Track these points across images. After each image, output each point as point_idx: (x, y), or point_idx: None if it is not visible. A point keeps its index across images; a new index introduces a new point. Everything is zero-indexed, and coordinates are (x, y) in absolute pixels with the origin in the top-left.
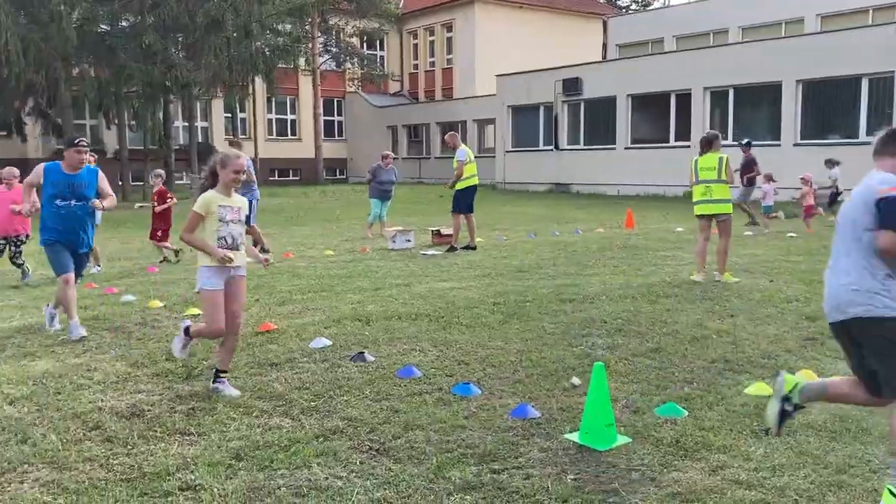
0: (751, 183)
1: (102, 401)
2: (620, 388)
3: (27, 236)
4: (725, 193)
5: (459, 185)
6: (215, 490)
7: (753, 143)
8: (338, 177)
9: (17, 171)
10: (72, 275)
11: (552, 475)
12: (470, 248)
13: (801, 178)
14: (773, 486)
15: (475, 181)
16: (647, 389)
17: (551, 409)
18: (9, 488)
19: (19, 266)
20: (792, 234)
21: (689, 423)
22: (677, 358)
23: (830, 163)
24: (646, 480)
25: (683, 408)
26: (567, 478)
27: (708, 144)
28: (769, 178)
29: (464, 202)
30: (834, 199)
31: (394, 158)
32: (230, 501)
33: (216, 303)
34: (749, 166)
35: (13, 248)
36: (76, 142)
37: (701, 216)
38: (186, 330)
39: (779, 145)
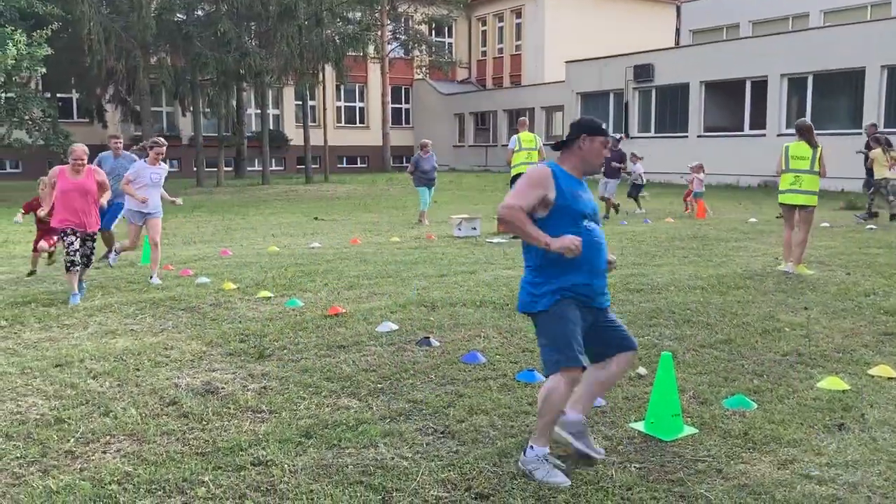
0: (614, 175)
1: (178, 378)
2: (688, 378)
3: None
4: (815, 185)
5: (513, 172)
6: (286, 466)
7: (833, 131)
8: (404, 164)
9: (87, 150)
10: None
11: (616, 463)
12: None
13: (692, 167)
14: (846, 482)
15: (523, 169)
16: (715, 381)
17: (616, 398)
18: (93, 457)
19: (85, 265)
20: (872, 227)
21: (758, 416)
22: (747, 350)
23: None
24: (712, 472)
25: (753, 400)
26: (631, 466)
27: (808, 132)
28: (636, 157)
29: None
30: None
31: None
32: (300, 478)
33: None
34: (619, 160)
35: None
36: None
37: (785, 205)
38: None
39: (860, 134)
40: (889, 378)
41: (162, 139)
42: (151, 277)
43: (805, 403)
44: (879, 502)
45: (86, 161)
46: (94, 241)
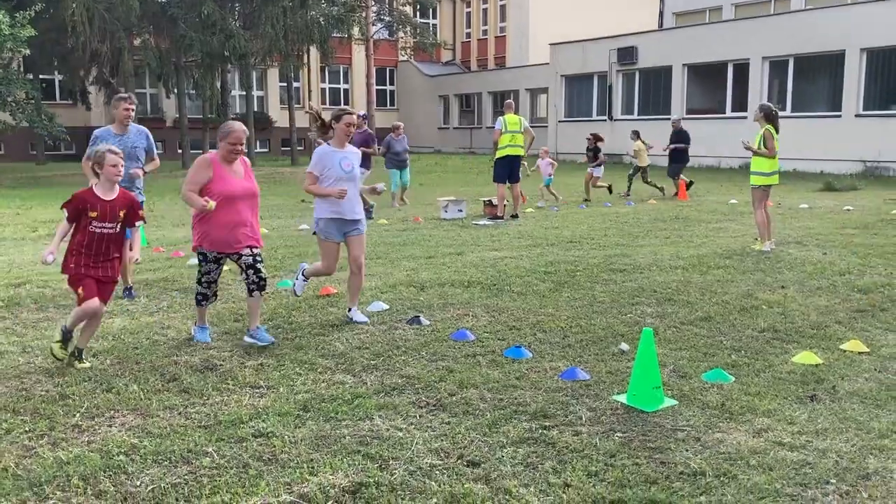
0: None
1: (177, 356)
2: (668, 354)
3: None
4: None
5: (497, 155)
6: (286, 437)
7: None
8: None
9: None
10: None
11: (600, 433)
12: (512, 216)
13: (544, 149)
14: (815, 449)
15: (510, 151)
16: (694, 356)
17: (600, 373)
18: (99, 431)
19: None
20: (848, 208)
21: (735, 389)
22: (726, 327)
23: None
24: (691, 440)
25: (730, 374)
26: (615, 435)
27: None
28: (546, 153)
29: (501, 172)
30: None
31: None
32: (300, 448)
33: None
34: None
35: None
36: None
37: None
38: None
39: (839, 116)
40: (860, 352)
41: (349, 107)
42: (350, 311)
43: (780, 377)
44: (846, 466)
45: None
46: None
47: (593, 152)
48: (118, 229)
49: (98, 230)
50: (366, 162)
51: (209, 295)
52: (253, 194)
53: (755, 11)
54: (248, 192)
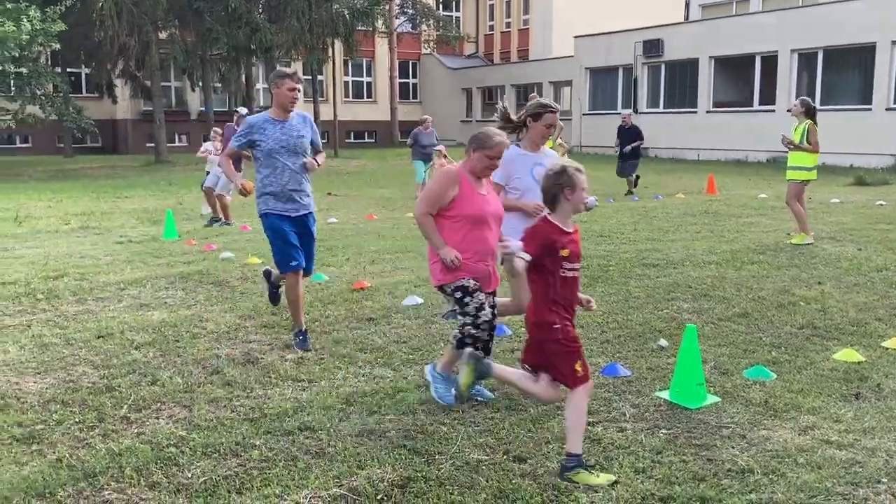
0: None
1: (218, 349)
2: (708, 350)
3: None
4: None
5: None
6: (331, 431)
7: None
8: None
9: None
10: None
11: (645, 429)
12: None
13: (437, 149)
14: (864, 447)
15: None
16: (734, 352)
17: (640, 369)
18: (147, 422)
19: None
20: (881, 203)
21: (777, 386)
22: (764, 323)
23: None
24: (736, 437)
25: (772, 371)
26: (659, 432)
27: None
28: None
29: None
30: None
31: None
32: (346, 442)
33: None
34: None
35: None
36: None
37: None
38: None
39: (870, 109)
40: None
41: (550, 100)
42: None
43: (822, 374)
44: None
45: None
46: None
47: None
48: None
49: (570, 274)
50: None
51: (486, 338)
52: (500, 218)
53: (784, 3)
54: (497, 216)
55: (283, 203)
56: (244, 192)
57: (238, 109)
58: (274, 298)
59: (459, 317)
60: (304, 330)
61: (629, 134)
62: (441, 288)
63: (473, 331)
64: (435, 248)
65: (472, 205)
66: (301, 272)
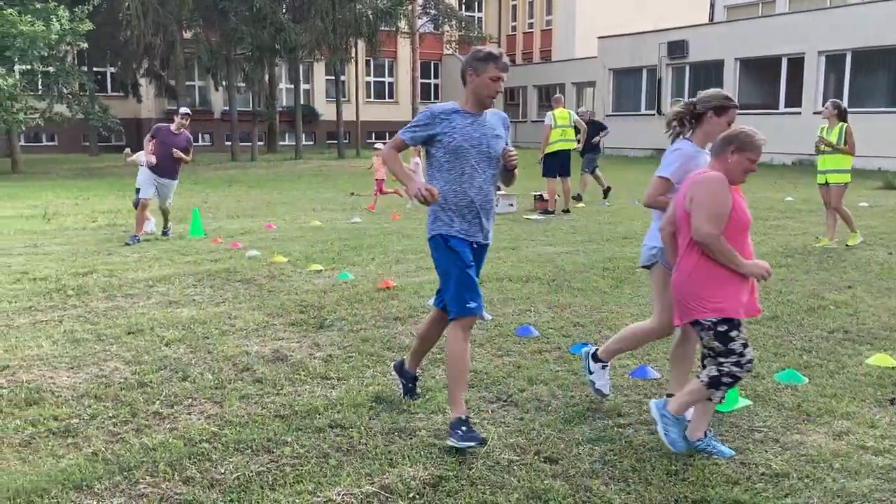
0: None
1: (247, 346)
2: None
3: None
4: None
5: (548, 150)
6: (362, 429)
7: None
8: None
9: None
10: None
11: None
12: (564, 211)
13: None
14: None
15: (561, 146)
16: (765, 356)
17: (670, 371)
18: (180, 418)
19: None
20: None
21: (809, 390)
22: (794, 327)
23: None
24: (769, 441)
25: (803, 375)
26: None
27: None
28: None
29: (551, 166)
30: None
31: None
32: (377, 440)
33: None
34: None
35: None
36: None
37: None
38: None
39: None
40: None
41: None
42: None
43: (855, 379)
44: None
45: None
46: None
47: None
48: None
49: None
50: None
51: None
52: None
53: (811, 4)
54: (749, 224)
55: (468, 225)
56: (426, 200)
57: (181, 110)
58: (410, 392)
59: (720, 357)
60: (466, 418)
61: (593, 127)
62: (698, 323)
63: (737, 370)
64: (745, 271)
65: (741, 213)
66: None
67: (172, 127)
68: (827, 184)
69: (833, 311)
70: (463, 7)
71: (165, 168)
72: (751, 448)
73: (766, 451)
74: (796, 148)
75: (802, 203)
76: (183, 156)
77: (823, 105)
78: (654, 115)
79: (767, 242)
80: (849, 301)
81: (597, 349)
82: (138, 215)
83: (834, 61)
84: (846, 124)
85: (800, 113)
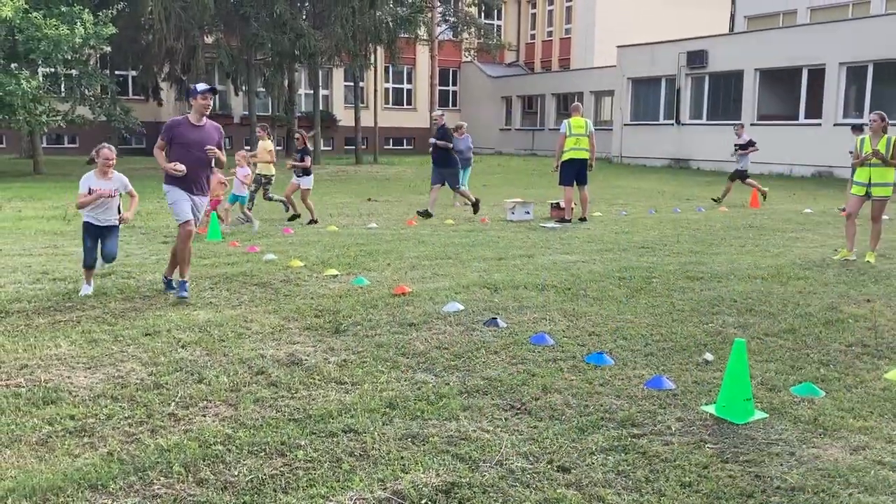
0: None
1: (262, 349)
2: (754, 366)
3: None
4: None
5: (563, 158)
6: (375, 434)
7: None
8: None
9: None
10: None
11: (691, 443)
12: (581, 219)
13: (240, 155)
14: None
15: (574, 154)
16: (781, 369)
17: (686, 382)
18: (195, 420)
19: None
20: None
21: (827, 404)
22: (811, 340)
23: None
24: (785, 454)
25: (820, 388)
26: (706, 447)
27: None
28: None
29: (567, 174)
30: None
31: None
32: (390, 445)
33: None
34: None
35: None
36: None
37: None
38: None
39: None
40: None
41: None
42: None
43: (873, 393)
44: None
45: None
46: None
47: (301, 154)
48: None
49: None
50: (445, 157)
51: None
52: None
53: (832, 16)
54: None
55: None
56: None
57: (199, 87)
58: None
59: None
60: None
61: (438, 136)
62: None
63: None
64: None
65: None
66: None
67: (192, 118)
68: (868, 196)
69: (851, 324)
70: (482, 15)
71: (197, 179)
72: (766, 461)
73: (782, 465)
74: (816, 160)
75: (821, 216)
76: (219, 153)
77: (845, 116)
78: (672, 124)
79: (786, 254)
80: (867, 315)
81: None
82: (179, 248)
83: (855, 73)
84: (890, 136)
85: (820, 124)
